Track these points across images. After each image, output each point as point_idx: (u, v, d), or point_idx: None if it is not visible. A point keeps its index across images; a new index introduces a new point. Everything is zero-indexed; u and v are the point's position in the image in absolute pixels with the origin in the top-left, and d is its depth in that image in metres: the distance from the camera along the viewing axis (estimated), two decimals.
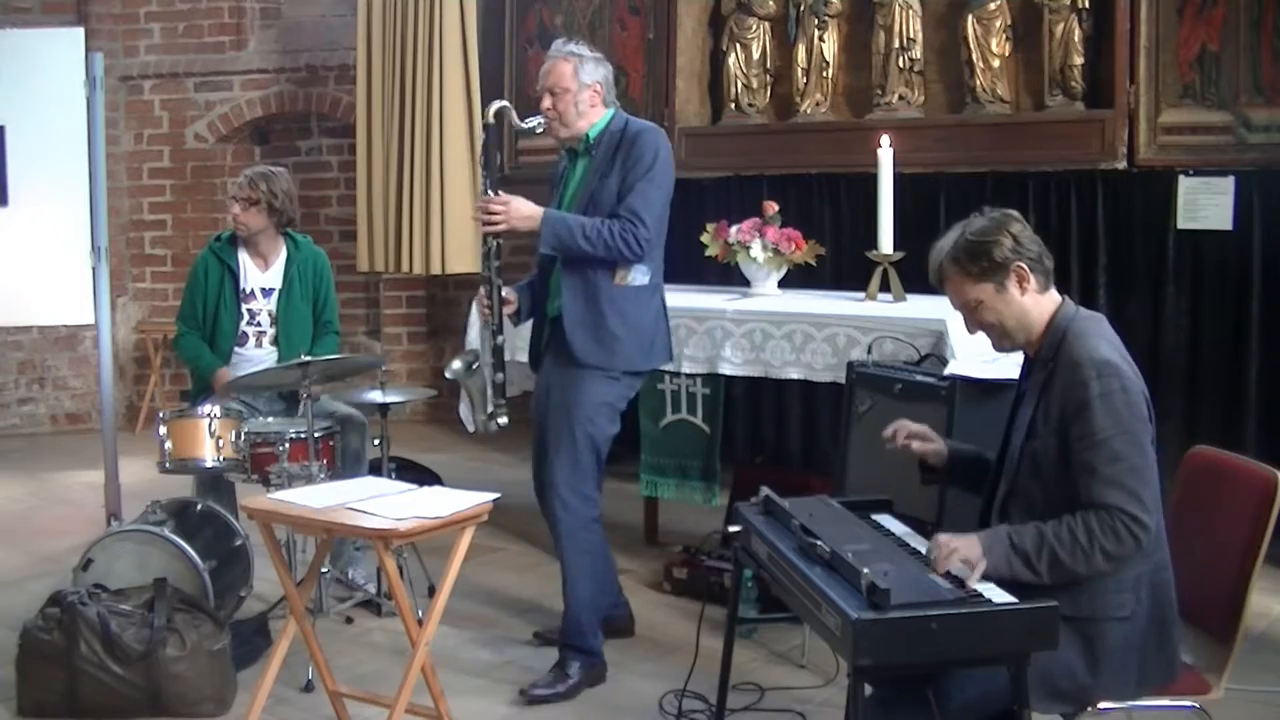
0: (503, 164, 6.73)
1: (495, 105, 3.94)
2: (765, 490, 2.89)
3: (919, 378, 3.88)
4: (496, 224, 3.78)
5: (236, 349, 4.59)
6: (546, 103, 3.84)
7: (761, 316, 4.58)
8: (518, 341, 4.38)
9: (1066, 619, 2.47)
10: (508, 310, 3.91)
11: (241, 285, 4.61)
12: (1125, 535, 2.45)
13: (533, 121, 3.89)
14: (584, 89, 3.80)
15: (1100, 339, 2.59)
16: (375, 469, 4.39)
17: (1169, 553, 2.60)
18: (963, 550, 2.46)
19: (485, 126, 3.96)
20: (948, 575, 2.42)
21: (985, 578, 2.42)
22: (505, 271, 3.88)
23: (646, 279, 3.84)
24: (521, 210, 3.76)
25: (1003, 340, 2.72)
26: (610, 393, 3.85)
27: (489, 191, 3.82)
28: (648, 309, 3.88)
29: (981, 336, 2.75)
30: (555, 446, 3.83)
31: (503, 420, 3.91)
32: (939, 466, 2.89)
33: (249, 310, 4.62)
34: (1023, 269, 2.62)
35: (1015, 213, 2.70)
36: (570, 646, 3.82)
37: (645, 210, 3.72)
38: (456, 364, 4.07)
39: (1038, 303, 2.65)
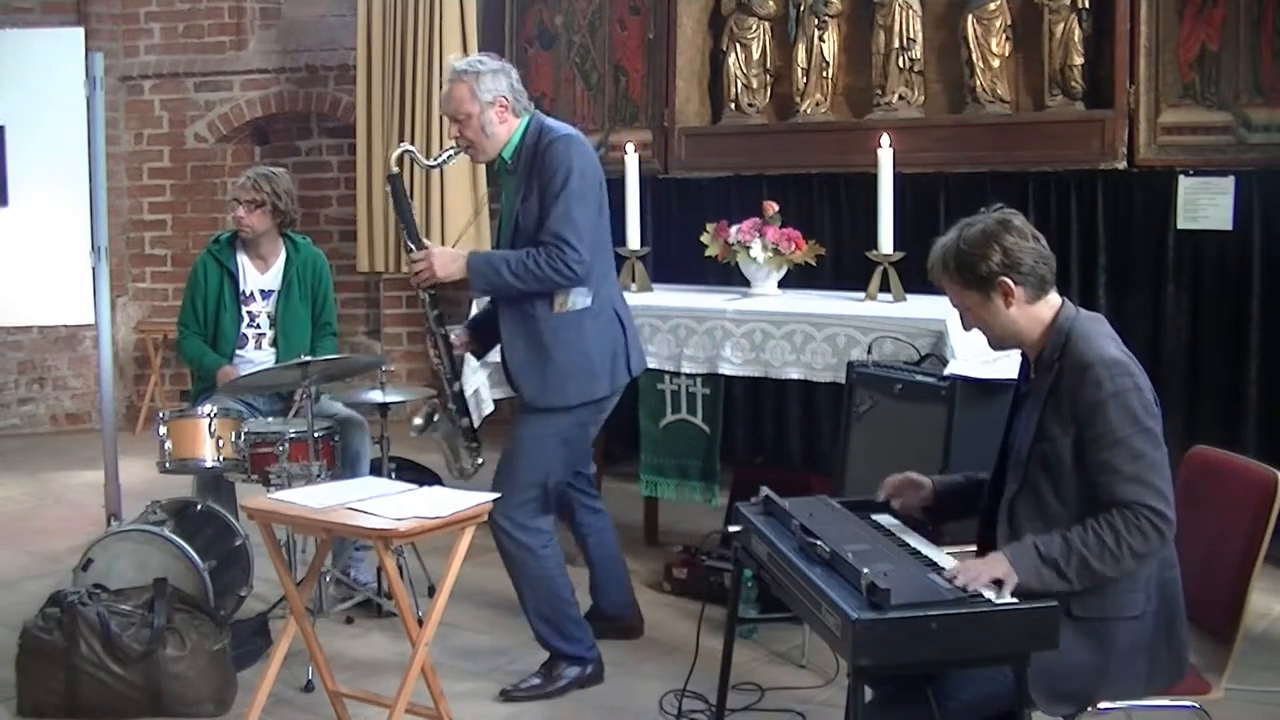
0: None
1: (398, 150, 3.76)
2: (765, 490, 2.89)
3: (919, 378, 3.89)
4: (424, 280, 3.65)
5: (237, 351, 4.59)
6: (454, 131, 3.62)
7: (761, 316, 4.57)
8: (494, 356, 4.19)
9: (1078, 619, 2.48)
10: (461, 350, 3.81)
11: (241, 288, 4.60)
12: (1151, 531, 2.45)
13: (443, 155, 3.74)
14: (488, 107, 3.55)
15: (1106, 339, 2.59)
16: (375, 469, 4.39)
17: (1175, 551, 2.60)
18: (990, 569, 2.42)
19: (390, 177, 3.70)
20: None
21: (1016, 591, 2.39)
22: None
23: (589, 300, 3.61)
24: (444, 261, 3.60)
25: (992, 342, 2.73)
26: (561, 423, 3.66)
27: (409, 246, 3.64)
28: (592, 332, 3.64)
29: (980, 334, 2.75)
30: (501, 475, 3.69)
31: (479, 460, 3.81)
32: (931, 507, 2.86)
33: (249, 313, 4.61)
34: (1007, 284, 2.59)
35: (1016, 217, 2.65)
36: (555, 652, 3.79)
37: (569, 230, 3.47)
38: (417, 421, 3.92)
39: (1027, 312, 2.63)
